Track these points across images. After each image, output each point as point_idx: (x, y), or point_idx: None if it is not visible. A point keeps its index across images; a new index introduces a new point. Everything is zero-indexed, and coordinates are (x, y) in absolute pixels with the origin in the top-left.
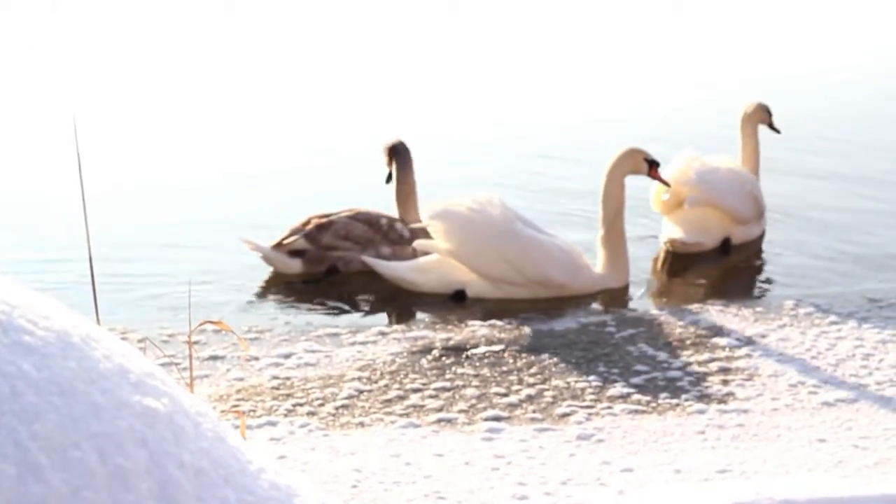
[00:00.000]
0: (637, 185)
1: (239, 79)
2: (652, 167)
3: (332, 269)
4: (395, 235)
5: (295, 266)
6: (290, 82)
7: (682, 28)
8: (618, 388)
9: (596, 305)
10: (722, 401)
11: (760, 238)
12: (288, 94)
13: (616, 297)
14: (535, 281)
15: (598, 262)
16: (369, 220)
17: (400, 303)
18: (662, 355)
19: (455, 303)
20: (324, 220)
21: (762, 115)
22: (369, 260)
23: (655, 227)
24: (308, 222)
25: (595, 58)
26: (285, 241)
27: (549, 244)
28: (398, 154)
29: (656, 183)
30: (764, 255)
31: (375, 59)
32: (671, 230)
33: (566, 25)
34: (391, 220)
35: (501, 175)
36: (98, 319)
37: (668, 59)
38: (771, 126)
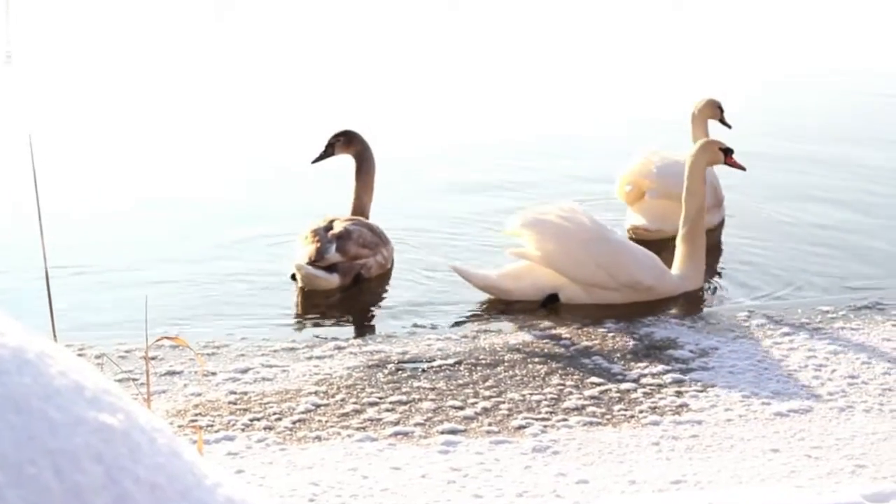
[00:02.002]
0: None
1: (212, 82)
2: (727, 155)
3: (358, 277)
4: (384, 236)
5: (334, 280)
6: (267, 87)
7: (670, 34)
8: (573, 401)
9: (549, 318)
10: (676, 412)
11: (721, 225)
12: (259, 99)
13: (570, 309)
14: (625, 284)
15: (674, 263)
16: (368, 226)
17: (356, 315)
18: (617, 367)
19: (546, 308)
20: (339, 230)
21: (713, 110)
22: (460, 269)
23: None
24: (322, 234)
25: (583, 60)
26: (327, 257)
27: (635, 249)
28: (361, 143)
29: (620, 174)
30: (716, 269)
31: (351, 62)
32: (635, 218)
33: (554, 29)
34: (373, 223)
35: (479, 177)
36: (55, 335)
37: (655, 63)
38: (722, 121)
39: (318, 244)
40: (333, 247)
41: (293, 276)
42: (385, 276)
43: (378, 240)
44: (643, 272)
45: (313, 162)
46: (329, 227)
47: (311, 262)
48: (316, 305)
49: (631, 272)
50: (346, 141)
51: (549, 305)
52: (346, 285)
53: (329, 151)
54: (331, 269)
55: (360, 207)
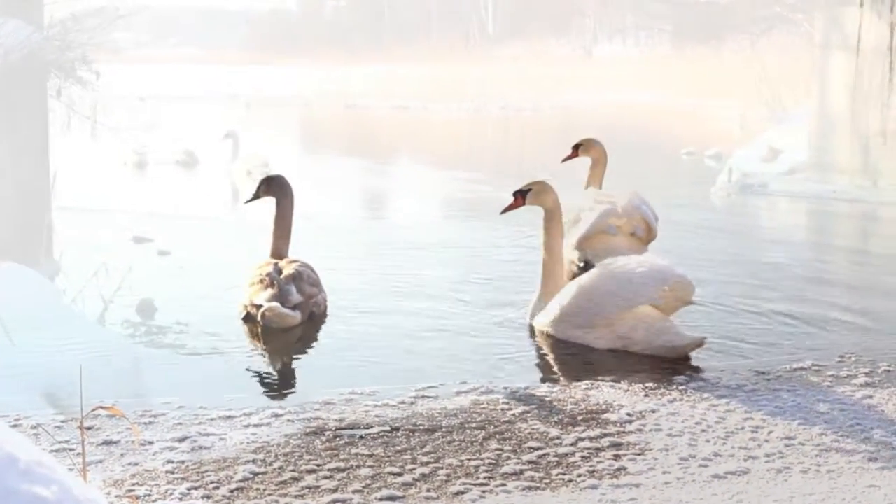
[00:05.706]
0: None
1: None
2: (523, 196)
3: (311, 314)
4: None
5: (298, 317)
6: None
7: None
8: (511, 465)
9: (488, 382)
10: (614, 475)
11: None
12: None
13: (509, 373)
14: None
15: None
16: (308, 266)
17: (292, 381)
18: (554, 431)
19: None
20: (291, 272)
21: (600, 147)
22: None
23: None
24: (276, 276)
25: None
26: (290, 298)
27: None
28: (281, 188)
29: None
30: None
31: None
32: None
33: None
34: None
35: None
36: None
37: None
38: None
39: (277, 287)
40: (293, 288)
41: (245, 318)
42: (319, 327)
43: (318, 278)
44: None
45: (245, 203)
46: (278, 270)
47: (280, 303)
48: (252, 369)
49: None
50: (267, 185)
51: None
52: (302, 322)
53: (257, 194)
54: (293, 308)
55: (277, 250)
